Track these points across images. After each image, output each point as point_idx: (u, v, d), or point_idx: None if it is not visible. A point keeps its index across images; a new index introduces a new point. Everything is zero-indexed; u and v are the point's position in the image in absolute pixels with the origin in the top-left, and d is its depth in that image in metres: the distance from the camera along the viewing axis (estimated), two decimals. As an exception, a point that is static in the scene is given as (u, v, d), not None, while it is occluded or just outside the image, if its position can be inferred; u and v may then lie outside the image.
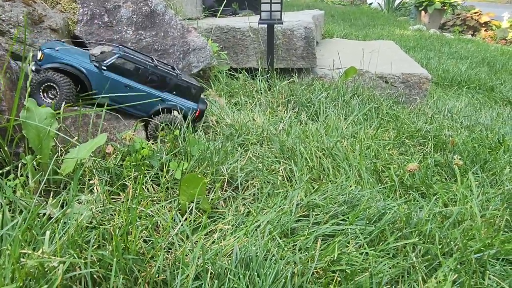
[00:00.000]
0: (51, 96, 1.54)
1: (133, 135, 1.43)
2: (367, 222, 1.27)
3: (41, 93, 1.52)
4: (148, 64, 1.72)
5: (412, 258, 1.11)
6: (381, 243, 1.20)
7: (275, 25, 2.64)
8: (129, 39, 2.28)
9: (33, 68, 1.54)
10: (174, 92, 1.79)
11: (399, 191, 1.58)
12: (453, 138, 2.07)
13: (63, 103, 1.52)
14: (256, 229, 1.15)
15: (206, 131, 1.90)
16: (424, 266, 1.10)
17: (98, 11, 2.24)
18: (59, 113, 1.45)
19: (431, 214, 1.33)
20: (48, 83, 1.51)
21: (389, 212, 1.30)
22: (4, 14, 1.77)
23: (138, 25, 2.33)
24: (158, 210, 1.26)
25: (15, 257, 0.77)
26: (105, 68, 1.62)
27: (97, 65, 1.61)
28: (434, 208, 1.39)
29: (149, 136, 1.75)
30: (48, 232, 0.83)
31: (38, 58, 1.55)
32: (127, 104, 1.67)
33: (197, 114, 1.83)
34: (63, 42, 1.74)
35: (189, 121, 1.77)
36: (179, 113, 1.76)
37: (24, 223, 0.88)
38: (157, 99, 1.72)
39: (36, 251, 0.82)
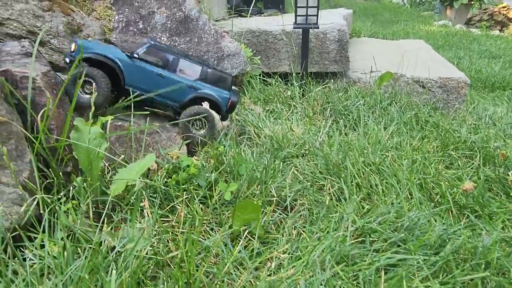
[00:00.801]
0: (87, 91, 1.51)
1: (179, 153, 1.39)
2: (429, 250, 1.20)
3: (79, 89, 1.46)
4: (180, 52, 1.69)
5: (484, 294, 1.04)
6: (446, 274, 1.13)
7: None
8: (163, 45, 2.24)
9: (67, 60, 1.51)
10: (206, 81, 1.74)
11: (454, 211, 1.50)
12: (502, 150, 1.97)
13: (102, 100, 1.48)
14: (314, 258, 1.10)
15: (248, 144, 1.85)
16: (498, 304, 1.03)
17: (133, 17, 2.21)
18: (101, 116, 1.42)
19: (495, 241, 1.25)
20: (86, 78, 1.47)
21: (452, 239, 1.23)
22: (44, 24, 1.75)
23: (172, 31, 2.28)
24: (209, 234, 1.22)
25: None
26: (137, 56, 1.59)
27: (129, 54, 1.58)
28: (495, 233, 1.31)
29: (180, 128, 1.69)
30: (114, 272, 0.79)
31: (72, 49, 1.51)
32: (160, 95, 1.63)
33: (229, 104, 1.79)
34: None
35: (224, 111, 1.74)
36: (216, 103, 1.71)
37: (88, 260, 0.84)
38: (189, 86, 1.68)
39: (102, 291, 0.79)
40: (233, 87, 1.85)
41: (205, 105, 1.71)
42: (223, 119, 1.83)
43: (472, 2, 8.47)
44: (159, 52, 1.64)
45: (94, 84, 1.49)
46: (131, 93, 1.58)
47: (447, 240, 1.24)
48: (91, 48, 1.52)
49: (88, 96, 1.48)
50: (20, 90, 1.26)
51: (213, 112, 1.71)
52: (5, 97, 1.17)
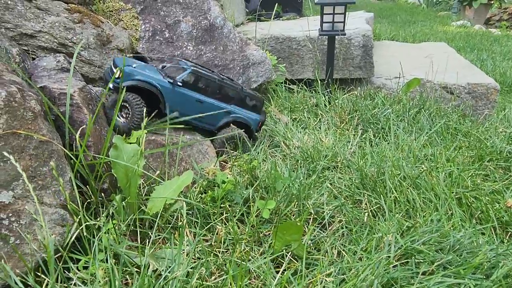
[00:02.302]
0: (124, 115, 1.54)
1: (215, 169, 1.37)
2: (479, 273, 1.15)
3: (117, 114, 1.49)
4: (217, 78, 1.73)
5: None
6: (499, 300, 1.08)
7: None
8: (189, 55, 2.23)
9: (111, 86, 1.52)
10: (239, 105, 1.81)
11: (497, 229, 1.45)
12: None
13: (135, 124, 1.50)
14: (361, 283, 1.06)
15: (280, 157, 1.81)
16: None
17: (159, 26, 2.20)
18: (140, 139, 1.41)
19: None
20: (122, 103, 1.50)
21: (502, 260, 1.18)
22: (75, 36, 1.74)
23: (198, 40, 2.27)
24: (248, 253, 1.19)
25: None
26: (179, 84, 1.62)
27: (171, 81, 1.62)
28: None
29: (216, 150, 1.74)
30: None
31: (116, 76, 1.53)
32: (197, 118, 1.68)
33: (259, 126, 1.89)
34: (128, 58, 1.70)
35: (254, 132, 1.84)
36: (248, 126, 1.81)
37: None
38: (225, 111, 1.76)
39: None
40: (262, 108, 1.93)
41: (238, 130, 1.79)
42: (253, 139, 1.91)
43: (492, 2, 8.28)
44: (199, 77, 1.69)
45: (130, 109, 1.52)
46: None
47: (497, 263, 1.18)
48: (134, 74, 1.55)
49: (123, 120, 1.52)
50: (58, 106, 1.26)
51: (244, 134, 1.80)
52: (45, 115, 1.16)
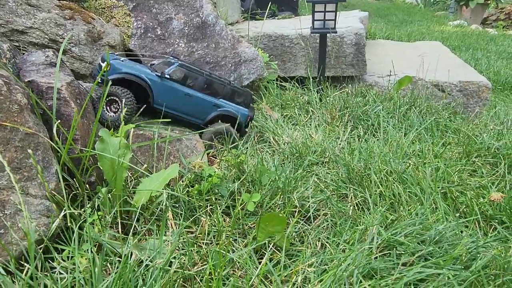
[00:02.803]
0: (114, 110, 1.55)
1: (202, 162, 1.39)
2: (459, 264, 1.17)
3: (105, 107, 1.52)
4: (204, 72, 1.76)
5: (518, 312, 1.01)
6: (477, 290, 1.10)
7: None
8: (181, 51, 2.25)
9: (99, 79, 1.52)
10: (228, 99, 1.83)
11: (481, 222, 1.47)
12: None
13: (123, 117, 1.49)
14: (341, 273, 1.08)
15: (268, 152, 1.83)
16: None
17: (151, 24, 2.21)
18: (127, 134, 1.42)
19: (526, 255, 1.21)
20: (111, 97, 1.51)
21: (481, 252, 1.20)
22: (66, 32, 1.76)
23: (190, 37, 2.29)
24: (232, 245, 1.21)
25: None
26: (167, 77, 1.64)
27: (159, 74, 1.63)
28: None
29: (204, 145, 1.75)
30: (145, 289, 0.79)
31: (104, 69, 1.53)
32: (185, 112, 1.71)
33: (248, 120, 1.89)
34: (116, 55, 1.72)
35: (243, 126, 1.85)
36: (235, 119, 1.82)
37: (118, 276, 0.84)
38: (213, 105, 1.77)
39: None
40: (250, 103, 1.94)
41: (225, 125, 1.80)
42: (241, 134, 1.91)
43: (489, 2, 8.30)
44: (187, 72, 1.70)
45: (120, 102, 1.53)
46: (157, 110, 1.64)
47: (477, 254, 1.20)
48: (121, 68, 1.56)
49: (113, 114, 1.53)
50: (45, 101, 1.27)
51: (232, 129, 1.80)
52: (32, 108, 1.18)
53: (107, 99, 1.50)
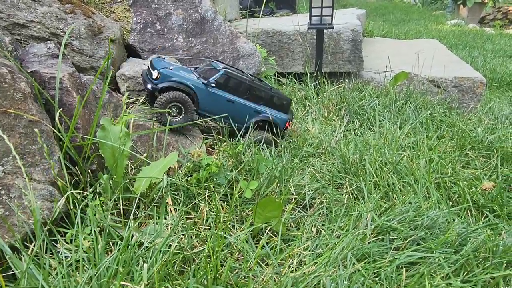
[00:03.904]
0: (174, 114, 1.63)
1: (200, 151, 1.42)
2: (449, 248, 1.20)
3: (167, 112, 1.61)
4: (247, 79, 1.80)
5: (506, 292, 1.05)
6: (467, 273, 1.14)
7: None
8: (180, 46, 2.28)
9: (149, 86, 1.62)
10: (268, 105, 1.86)
11: (472, 211, 1.50)
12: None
13: (189, 120, 1.64)
14: (335, 255, 1.12)
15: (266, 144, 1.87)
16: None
17: (150, 19, 2.25)
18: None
19: (515, 240, 1.25)
20: (175, 103, 1.61)
21: (471, 237, 1.24)
22: (66, 26, 1.79)
23: (189, 32, 2.32)
24: (230, 230, 1.25)
25: (119, 292, 0.76)
26: (213, 84, 1.70)
27: (205, 82, 1.70)
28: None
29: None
30: (146, 266, 0.82)
31: (155, 77, 1.62)
32: (227, 117, 1.76)
33: (287, 125, 1.91)
34: (162, 59, 1.80)
35: (281, 132, 1.88)
36: (276, 125, 1.87)
37: (120, 254, 0.87)
38: (255, 111, 1.82)
39: (134, 283, 0.82)
40: (289, 108, 1.98)
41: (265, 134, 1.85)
42: (281, 137, 1.95)
43: (486, 1, 8.36)
44: (230, 79, 1.76)
45: (182, 108, 1.63)
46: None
47: (467, 239, 1.24)
48: (171, 76, 1.64)
49: (178, 119, 1.63)
50: (48, 90, 1.31)
51: (271, 139, 1.85)
52: (35, 97, 1.21)
53: (172, 104, 1.60)
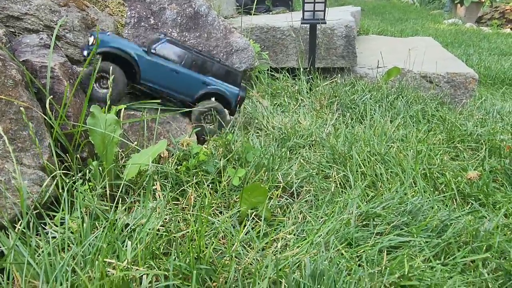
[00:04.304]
0: (104, 86, 1.53)
1: (189, 140, 1.45)
2: (431, 233, 1.23)
3: (95, 83, 1.50)
4: (193, 49, 1.74)
5: (484, 274, 1.07)
6: (448, 256, 1.16)
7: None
8: (174, 40, 2.30)
9: (85, 53, 1.52)
10: (217, 77, 1.80)
11: (458, 199, 1.53)
12: (508, 143, 1.98)
13: (117, 94, 1.52)
14: (319, 239, 1.14)
15: (256, 134, 1.89)
16: (498, 284, 1.06)
17: (144, 13, 2.27)
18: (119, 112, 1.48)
19: (497, 226, 1.28)
20: (101, 73, 1.50)
21: (454, 223, 1.26)
22: (60, 19, 1.82)
23: (183, 26, 2.34)
24: (217, 216, 1.27)
25: (102, 267, 0.79)
26: (154, 51, 1.63)
27: (146, 49, 1.62)
28: (496, 218, 1.34)
29: (193, 123, 1.75)
30: (130, 243, 0.85)
31: (90, 43, 1.53)
32: (172, 89, 1.68)
33: (238, 99, 1.85)
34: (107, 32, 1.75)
35: (233, 104, 1.81)
36: (226, 98, 1.78)
37: (105, 233, 0.90)
38: (202, 82, 1.74)
39: (119, 261, 0.84)
40: (241, 83, 1.92)
41: (213, 100, 1.78)
42: (231, 113, 1.91)
43: (483, 0, 8.39)
44: (174, 48, 1.68)
45: (110, 79, 1.50)
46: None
47: (449, 225, 1.27)
48: (109, 42, 1.55)
49: (104, 91, 1.51)
50: (39, 79, 1.33)
51: (222, 107, 1.78)
52: (26, 85, 1.24)
53: (97, 75, 1.48)
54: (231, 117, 1.93)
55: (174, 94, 1.71)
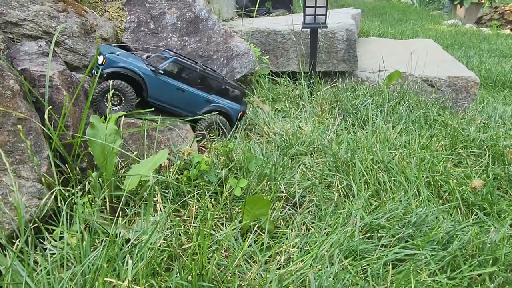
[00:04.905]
0: (114, 103, 1.59)
1: (190, 149, 1.43)
2: (437, 246, 1.21)
3: (105, 101, 1.55)
4: (198, 68, 1.80)
5: (491, 288, 1.05)
6: (454, 270, 1.14)
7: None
8: (174, 45, 2.28)
9: (94, 72, 1.58)
10: (220, 94, 1.87)
11: (462, 209, 1.51)
12: (511, 149, 1.96)
13: (127, 110, 1.59)
14: (323, 252, 1.12)
15: (257, 142, 1.87)
16: (506, 299, 1.04)
17: (144, 18, 2.25)
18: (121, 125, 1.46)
19: (503, 237, 1.26)
20: (113, 91, 1.55)
21: (459, 235, 1.24)
22: (59, 25, 1.79)
23: (183, 31, 2.32)
24: (219, 228, 1.25)
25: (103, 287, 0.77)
26: (161, 72, 1.68)
27: (153, 69, 1.67)
28: (502, 230, 1.32)
29: (197, 136, 1.80)
30: (130, 261, 0.83)
31: (100, 62, 1.58)
32: (178, 106, 1.75)
33: (240, 114, 1.93)
34: (112, 46, 1.76)
35: (235, 122, 1.89)
36: (228, 115, 1.87)
37: (105, 250, 0.88)
38: (206, 100, 1.82)
39: (119, 280, 0.82)
40: (243, 98, 1.99)
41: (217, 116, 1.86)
42: (232, 126, 1.96)
43: (483, 1, 8.38)
44: (180, 67, 1.74)
45: (122, 97, 1.59)
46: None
47: (454, 236, 1.25)
48: (118, 62, 1.60)
49: (116, 108, 1.58)
50: (38, 88, 1.31)
51: (225, 120, 1.87)
52: (24, 95, 1.22)
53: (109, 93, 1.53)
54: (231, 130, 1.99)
55: (180, 111, 1.77)
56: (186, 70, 1.75)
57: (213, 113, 1.83)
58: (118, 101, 1.59)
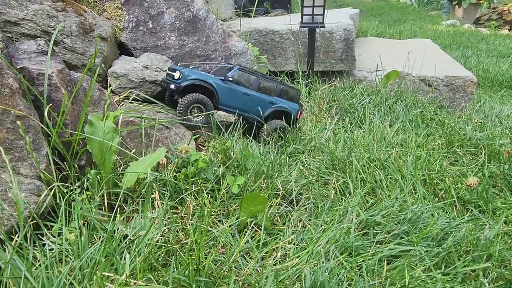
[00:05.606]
0: (194, 114, 1.78)
1: (188, 147, 1.44)
2: (432, 242, 1.22)
3: (190, 113, 1.76)
4: (259, 74, 1.97)
5: (485, 284, 1.07)
6: (448, 266, 1.16)
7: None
8: (172, 45, 2.30)
9: (173, 86, 1.77)
10: (280, 96, 2.02)
11: (457, 206, 1.53)
12: (507, 148, 1.98)
13: (207, 119, 1.80)
14: (318, 249, 1.13)
15: (256, 140, 1.89)
16: (499, 294, 1.06)
17: (142, 17, 2.26)
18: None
19: (497, 234, 1.27)
20: (196, 104, 1.76)
21: (454, 231, 1.26)
22: (58, 24, 1.80)
23: (181, 30, 2.33)
24: (216, 225, 1.26)
25: (101, 282, 0.78)
26: (231, 79, 1.84)
27: (223, 78, 1.85)
28: (496, 226, 1.33)
29: (262, 140, 1.93)
30: (128, 256, 0.84)
31: (177, 77, 1.77)
32: (245, 110, 1.91)
33: (299, 114, 2.07)
34: (174, 64, 1.99)
35: (294, 119, 2.03)
36: (290, 114, 2.01)
37: (104, 246, 0.89)
38: (269, 102, 1.97)
39: (117, 274, 0.83)
40: (299, 99, 2.13)
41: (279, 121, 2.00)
42: (294, 125, 2.08)
43: (481, 1, 8.41)
44: (244, 74, 1.92)
45: (203, 108, 1.79)
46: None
47: (449, 233, 1.26)
48: (190, 75, 1.79)
49: (199, 118, 1.78)
50: (37, 87, 1.32)
51: (287, 125, 2.00)
52: (23, 93, 1.23)
53: (194, 105, 1.75)
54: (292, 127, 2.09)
55: (247, 114, 1.92)
56: (248, 76, 1.92)
57: (273, 117, 1.96)
58: (199, 112, 1.77)
